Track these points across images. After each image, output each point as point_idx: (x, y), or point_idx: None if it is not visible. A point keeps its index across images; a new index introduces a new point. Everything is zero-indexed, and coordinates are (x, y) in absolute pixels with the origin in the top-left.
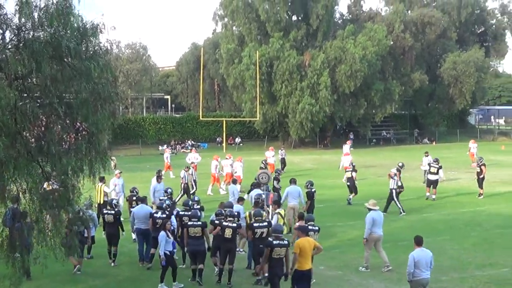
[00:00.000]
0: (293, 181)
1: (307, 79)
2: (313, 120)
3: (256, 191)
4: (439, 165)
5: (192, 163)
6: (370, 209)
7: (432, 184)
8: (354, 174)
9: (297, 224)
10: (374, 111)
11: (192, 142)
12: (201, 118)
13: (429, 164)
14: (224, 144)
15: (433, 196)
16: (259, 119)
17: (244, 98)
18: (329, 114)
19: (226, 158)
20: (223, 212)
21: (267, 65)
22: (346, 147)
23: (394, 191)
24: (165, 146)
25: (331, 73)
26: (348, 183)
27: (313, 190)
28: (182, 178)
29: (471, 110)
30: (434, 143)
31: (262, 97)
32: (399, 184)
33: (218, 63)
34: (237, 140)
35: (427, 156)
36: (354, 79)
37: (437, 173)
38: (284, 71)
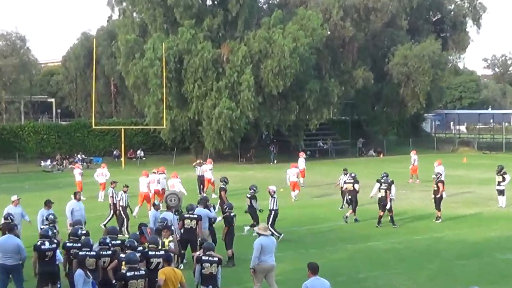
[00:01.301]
0: (202, 202)
1: (226, 78)
2: (233, 128)
3: (166, 214)
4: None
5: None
6: (259, 234)
7: (349, 202)
8: (356, 186)
9: (197, 253)
10: (308, 116)
11: (83, 156)
12: (93, 127)
13: (345, 182)
14: (122, 159)
15: (347, 215)
16: (166, 127)
17: (148, 101)
18: (252, 121)
19: (154, 172)
20: (107, 241)
21: (175, 60)
22: (302, 161)
23: (273, 212)
24: (77, 160)
25: (255, 70)
26: (350, 197)
27: (232, 214)
28: (111, 197)
29: (426, 115)
30: (381, 155)
31: (170, 100)
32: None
33: (115, 58)
34: (139, 153)
35: (345, 173)
36: (283, 77)
37: (354, 189)
38: (196, 68)
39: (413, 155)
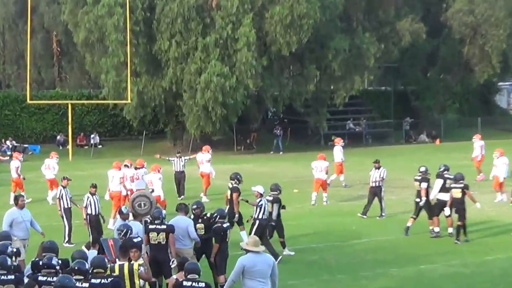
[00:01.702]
0: (181, 209)
1: (215, 32)
2: (226, 103)
3: (133, 224)
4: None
5: (64, 177)
6: (246, 251)
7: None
8: (424, 185)
9: (176, 276)
10: (332, 86)
11: (13, 142)
12: (29, 101)
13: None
14: (70, 147)
15: (436, 229)
16: (132, 102)
17: (105, 66)
18: (254, 93)
19: (126, 166)
20: (54, 262)
21: (144, 7)
22: (339, 151)
23: (258, 222)
24: (4, 148)
25: (257, 21)
26: (418, 200)
27: (224, 225)
28: (59, 199)
29: (501, 84)
30: (437, 141)
31: (136, 64)
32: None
33: (58, 5)
34: (94, 138)
35: (377, 167)
36: (297, 31)
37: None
38: (174, 18)
39: (477, 141)
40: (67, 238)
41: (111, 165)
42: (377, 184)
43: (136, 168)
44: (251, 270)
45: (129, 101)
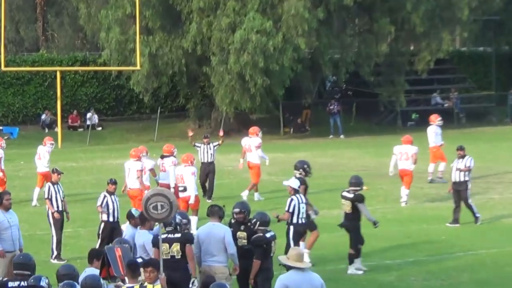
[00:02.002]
0: (214, 213)
1: None
2: (269, 69)
3: (142, 233)
4: None
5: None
6: (287, 267)
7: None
8: None
9: None
10: (412, 47)
11: None
12: (3, 68)
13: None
14: (59, 129)
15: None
16: (142, 68)
17: (106, 20)
18: (306, 55)
19: (142, 156)
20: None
21: None
22: (433, 132)
23: (293, 228)
24: None
25: None
26: None
27: (268, 235)
28: (48, 199)
29: None
30: None
31: (148, 17)
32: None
33: None
34: (90, 118)
35: (461, 156)
36: None
37: None
38: None
39: None
40: (55, 252)
41: (112, 154)
42: (462, 179)
43: (162, 157)
44: None
45: (138, 67)
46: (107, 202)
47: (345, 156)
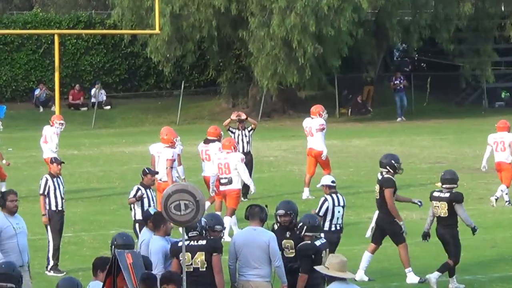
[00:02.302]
0: (255, 215)
1: None
2: (322, 34)
3: (157, 240)
4: None
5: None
6: (330, 278)
7: None
8: None
9: None
10: (503, 6)
11: None
12: None
13: None
14: (56, 107)
15: None
16: (162, 32)
17: None
18: (369, 17)
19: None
20: None
21: None
22: None
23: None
24: None
25: None
26: None
27: (317, 242)
28: (44, 195)
29: None
30: None
31: None
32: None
33: None
34: (96, 93)
35: None
36: None
37: None
38: None
39: None
40: (51, 262)
41: (124, 139)
42: None
43: (207, 141)
44: None
45: (156, 31)
46: (142, 196)
47: (417, 145)
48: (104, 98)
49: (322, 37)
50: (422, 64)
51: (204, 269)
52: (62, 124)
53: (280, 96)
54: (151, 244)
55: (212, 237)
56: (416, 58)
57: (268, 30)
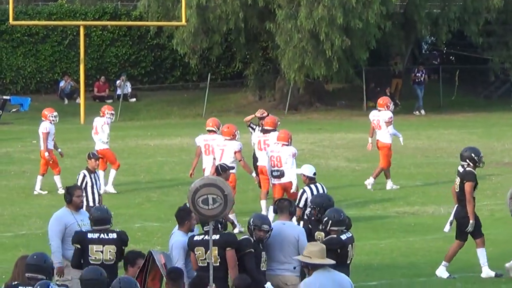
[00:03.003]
0: (283, 208)
1: None
2: (350, 27)
3: (179, 235)
4: None
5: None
6: (315, 266)
7: None
8: None
9: None
10: None
11: None
12: (12, 22)
13: None
14: (81, 99)
15: None
16: (189, 24)
17: None
18: (398, 9)
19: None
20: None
21: None
22: None
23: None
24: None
25: None
26: None
27: (342, 236)
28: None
29: None
30: None
31: None
32: None
33: None
34: (121, 85)
35: None
36: None
37: None
38: None
39: None
40: None
41: (149, 132)
42: None
43: (264, 131)
44: None
45: (183, 22)
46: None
47: (445, 139)
48: (130, 90)
49: (349, 30)
50: (451, 57)
51: (218, 264)
52: (113, 114)
53: (307, 89)
54: (173, 239)
55: (226, 231)
56: (444, 51)
57: (295, 23)
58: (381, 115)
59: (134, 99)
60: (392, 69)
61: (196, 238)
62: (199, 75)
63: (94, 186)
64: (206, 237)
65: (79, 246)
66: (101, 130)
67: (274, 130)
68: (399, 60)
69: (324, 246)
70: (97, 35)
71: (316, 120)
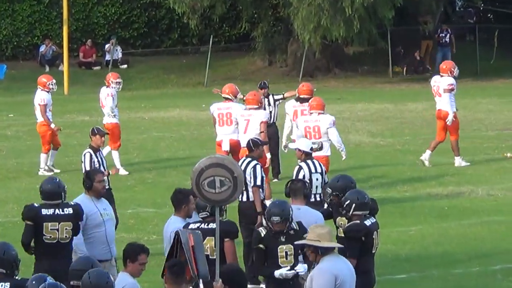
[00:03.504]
0: (297, 191)
1: None
2: None
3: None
4: None
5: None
6: (326, 250)
7: None
8: None
9: None
10: None
11: None
12: None
13: None
14: (65, 66)
15: None
16: None
17: None
18: None
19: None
20: None
21: None
22: None
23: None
24: None
25: None
26: None
27: (367, 222)
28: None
29: None
30: None
31: None
32: None
33: None
34: (111, 51)
35: None
36: None
37: None
38: None
39: None
40: None
41: (143, 103)
42: None
43: (300, 100)
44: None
45: None
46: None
47: (482, 109)
48: (120, 55)
49: None
50: (489, 15)
51: (215, 257)
52: (119, 83)
53: (324, 53)
54: (170, 227)
55: (225, 219)
56: (481, 8)
57: None
58: (442, 81)
59: (125, 66)
60: (422, 30)
61: (191, 226)
62: (199, 38)
63: (101, 167)
64: (203, 225)
65: (31, 223)
66: (106, 102)
67: (311, 98)
68: (430, 19)
69: (330, 228)
70: None
71: (335, 88)
